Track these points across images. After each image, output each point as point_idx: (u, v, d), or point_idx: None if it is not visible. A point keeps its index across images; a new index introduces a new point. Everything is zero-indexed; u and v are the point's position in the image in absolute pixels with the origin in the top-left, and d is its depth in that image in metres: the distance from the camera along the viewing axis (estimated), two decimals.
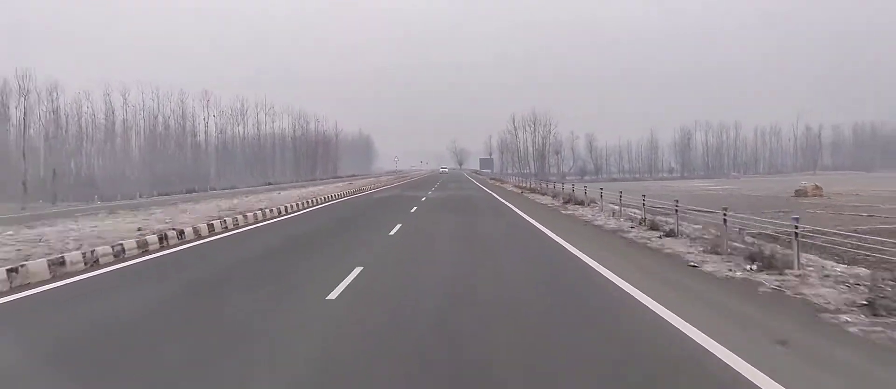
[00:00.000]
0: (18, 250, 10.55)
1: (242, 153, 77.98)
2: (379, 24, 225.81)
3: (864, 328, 5.53)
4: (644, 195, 17.24)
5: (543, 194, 33.31)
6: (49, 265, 8.92)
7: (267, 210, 20.93)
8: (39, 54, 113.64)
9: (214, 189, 57.84)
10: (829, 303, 6.41)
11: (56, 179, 48.57)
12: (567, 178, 73.77)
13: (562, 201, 25.97)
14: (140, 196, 46.89)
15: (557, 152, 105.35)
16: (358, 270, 8.98)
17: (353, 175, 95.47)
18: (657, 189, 40.88)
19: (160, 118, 69.19)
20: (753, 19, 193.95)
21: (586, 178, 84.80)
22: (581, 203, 23.54)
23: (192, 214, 19.71)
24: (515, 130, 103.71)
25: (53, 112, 56.74)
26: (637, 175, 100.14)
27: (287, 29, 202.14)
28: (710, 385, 4.22)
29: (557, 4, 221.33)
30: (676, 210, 13.45)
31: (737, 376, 4.30)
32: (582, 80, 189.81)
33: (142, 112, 67.47)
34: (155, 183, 58.67)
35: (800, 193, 35.58)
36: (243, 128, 79.45)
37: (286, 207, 23.46)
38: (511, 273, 9.30)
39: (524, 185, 47.38)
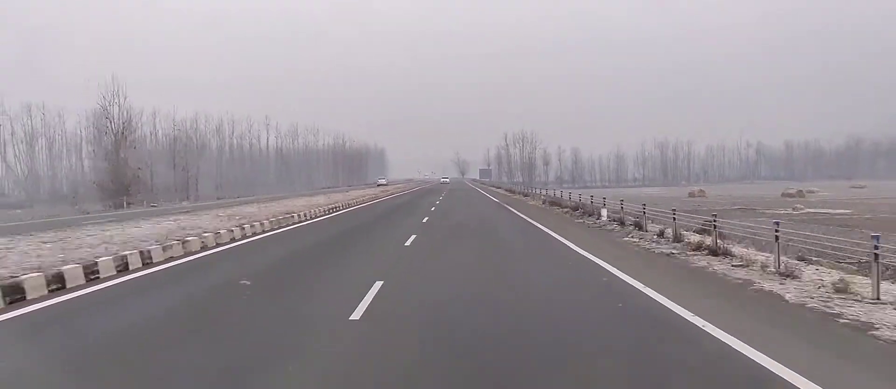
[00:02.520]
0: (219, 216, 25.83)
1: (296, 164, 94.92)
2: (396, 51, 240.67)
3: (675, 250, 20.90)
4: (592, 195, 32.55)
5: (525, 196, 48.91)
6: (256, 223, 24.22)
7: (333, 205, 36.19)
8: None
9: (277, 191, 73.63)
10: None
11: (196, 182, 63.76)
12: (548, 185, 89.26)
13: (541, 202, 41.03)
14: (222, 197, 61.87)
15: (547, 163, 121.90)
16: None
17: (378, 182, 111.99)
18: (614, 193, 55.86)
19: (235, 139, 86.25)
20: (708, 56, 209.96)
21: (564, 185, 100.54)
22: (557, 204, 35.46)
23: (279, 205, 33.92)
24: (508, 146, 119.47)
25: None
26: (607, 184, 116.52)
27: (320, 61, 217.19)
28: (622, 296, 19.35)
29: (551, 38, 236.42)
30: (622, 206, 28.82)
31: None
32: (567, 101, 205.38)
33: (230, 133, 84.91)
34: (235, 186, 74.57)
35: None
36: (294, 143, 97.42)
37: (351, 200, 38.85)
38: (484, 214, 24.53)
39: (514, 190, 63.27)
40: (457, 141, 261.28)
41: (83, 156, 70.61)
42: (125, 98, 48.85)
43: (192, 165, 60.64)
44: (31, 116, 71.58)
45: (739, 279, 9.51)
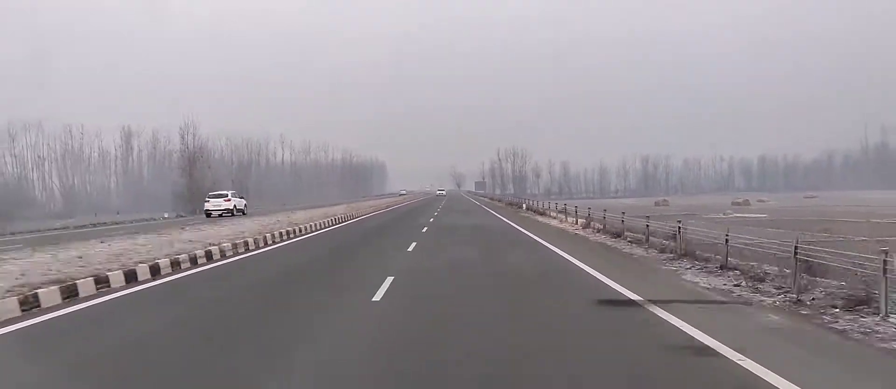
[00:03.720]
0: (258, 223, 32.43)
1: (307, 178, 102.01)
2: (395, 73, 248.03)
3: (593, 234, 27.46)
4: (577, 206, 39.13)
5: (511, 205, 55.57)
6: (276, 234, 30.80)
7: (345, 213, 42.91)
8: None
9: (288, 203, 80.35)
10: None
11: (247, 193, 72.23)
12: (537, 197, 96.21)
13: (525, 209, 47.87)
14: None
15: (538, 176, 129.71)
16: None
17: (380, 194, 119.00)
18: (595, 204, 62.91)
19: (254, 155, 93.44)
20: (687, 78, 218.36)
21: (552, 196, 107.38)
22: (542, 212, 44.51)
23: (313, 212, 41.35)
24: (500, 161, 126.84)
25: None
26: (591, 195, 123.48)
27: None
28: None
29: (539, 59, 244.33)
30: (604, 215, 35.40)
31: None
32: (559, 117, 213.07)
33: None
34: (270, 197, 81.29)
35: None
36: (306, 158, 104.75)
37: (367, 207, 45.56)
38: (479, 219, 31.08)
39: (501, 200, 70.04)
40: (452, 154, 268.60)
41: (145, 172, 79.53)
42: (197, 128, 61.00)
43: (245, 179, 70.52)
44: (71, 136, 78.66)
45: (626, 251, 16.02)
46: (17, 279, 9.52)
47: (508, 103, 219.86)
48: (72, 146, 78.96)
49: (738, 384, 4.83)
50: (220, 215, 37.25)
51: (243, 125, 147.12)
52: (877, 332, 6.45)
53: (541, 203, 42.68)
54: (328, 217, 30.69)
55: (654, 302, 8.19)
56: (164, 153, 79.40)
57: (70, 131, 78.60)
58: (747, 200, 65.72)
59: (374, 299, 8.92)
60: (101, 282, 10.03)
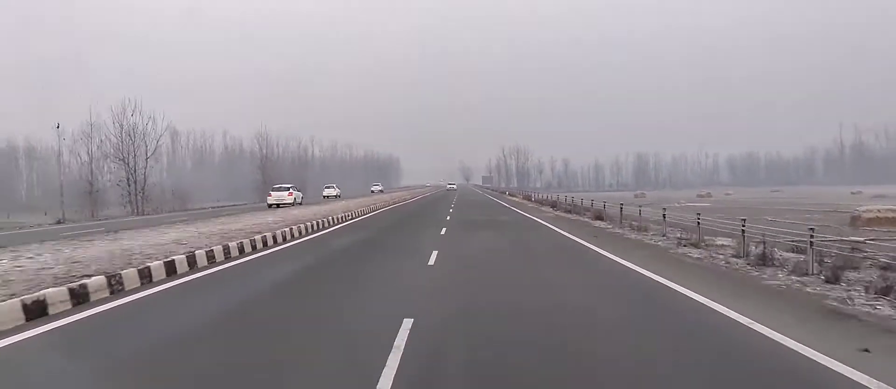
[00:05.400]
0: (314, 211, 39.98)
1: (333, 172, 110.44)
2: (412, 72, 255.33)
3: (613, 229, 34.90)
4: (558, 195, 46.46)
5: (513, 196, 63.02)
6: (335, 217, 38.31)
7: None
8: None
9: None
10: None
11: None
12: (538, 190, 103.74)
13: (521, 198, 55.40)
14: None
15: (541, 171, 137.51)
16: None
17: (402, 187, 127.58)
18: (585, 196, 70.37)
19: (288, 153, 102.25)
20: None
21: (551, 189, 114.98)
22: (542, 202, 52.80)
23: (348, 202, 48.85)
24: (504, 157, 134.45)
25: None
26: (588, 189, 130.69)
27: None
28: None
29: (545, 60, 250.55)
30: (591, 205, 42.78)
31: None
32: (560, 115, 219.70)
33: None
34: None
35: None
36: (334, 156, 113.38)
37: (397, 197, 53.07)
38: (480, 201, 38.55)
39: (507, 192, 77.54)
40: (461, 150, 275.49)
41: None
42: (267, 135, 76.89)
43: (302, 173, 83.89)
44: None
45: (600, 227, 23.38)
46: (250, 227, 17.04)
47: (513, 101, 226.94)
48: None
49: (601, 260, 12.23)
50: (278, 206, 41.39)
51: (271, 123, 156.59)
52: (666, 243, 13.79)
53: (535, 195, 50.19)
54: (364, 206, 35.29)
55: (594, 245, 15.56)
56: (236, 152, 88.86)
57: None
58: (710, 192, 73.35)
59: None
60: (276, 238, 17.32)
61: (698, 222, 14.59)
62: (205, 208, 48.54)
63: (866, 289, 7.92)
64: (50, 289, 7.52)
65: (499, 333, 6.09)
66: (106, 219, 37.58)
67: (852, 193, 63.37)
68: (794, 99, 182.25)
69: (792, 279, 9.08)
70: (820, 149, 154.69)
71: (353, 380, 4.64)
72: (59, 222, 34.95)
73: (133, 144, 51.43)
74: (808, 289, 8.32)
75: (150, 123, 53.07)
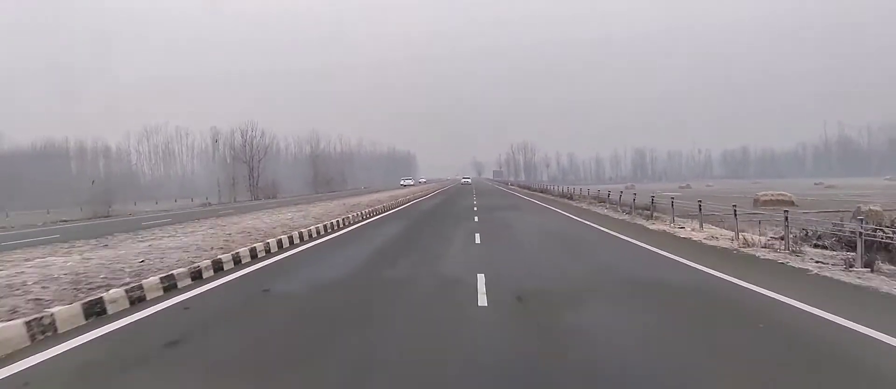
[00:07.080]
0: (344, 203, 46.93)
1: (359, 167, 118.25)
2: (423, 73, 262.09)
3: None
4: (565, 187, 53.09)
5: (521, 187, 69.78)
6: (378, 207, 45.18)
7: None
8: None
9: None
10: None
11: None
12: (544, 183, 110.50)
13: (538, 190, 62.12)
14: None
15: (548, 165, 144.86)
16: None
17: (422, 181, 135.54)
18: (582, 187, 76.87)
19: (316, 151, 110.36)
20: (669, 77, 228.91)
21: (556, 182, 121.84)
22: (543, 191, 59.43)
23: (381, 194, 55.57)
24: (513, 153, 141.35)
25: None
26: (589, 182, 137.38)
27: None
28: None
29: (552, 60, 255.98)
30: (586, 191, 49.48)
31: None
32: (567, 110, 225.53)
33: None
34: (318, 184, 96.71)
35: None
36: (360, 151, 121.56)
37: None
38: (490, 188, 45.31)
39: (517, 184, 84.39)
40: (473, 146, 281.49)
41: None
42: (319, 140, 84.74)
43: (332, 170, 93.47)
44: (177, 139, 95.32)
45: (582, 208, 30.17)
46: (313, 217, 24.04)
47: (520, 101, 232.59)
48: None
49: (591, 233, 19.07)
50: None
51: (294, 118, 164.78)
52: (623, 217, 20.54)
53: (541, 187, 56.97)
54: (396, 198, 37.78)
55: (585, 221, 22.34)
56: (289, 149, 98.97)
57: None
58: (689, 185, 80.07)
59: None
60: (354, 218, 24.21)
61: (653, 201, 21.36)
62: (300, 196, 66.85)
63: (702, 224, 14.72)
64: (295, 231, 14.60)
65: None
66: (238, 202, 56.57)
67: (815, 183, 69.54)
68: (792, 97, 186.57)
69: (668, 225, 15.92)
70: (809, 145, 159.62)
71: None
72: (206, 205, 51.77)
73: (252, 149, 73.91)
74: (667, 227, 15.15)
75: (260, 135, 75.92)
